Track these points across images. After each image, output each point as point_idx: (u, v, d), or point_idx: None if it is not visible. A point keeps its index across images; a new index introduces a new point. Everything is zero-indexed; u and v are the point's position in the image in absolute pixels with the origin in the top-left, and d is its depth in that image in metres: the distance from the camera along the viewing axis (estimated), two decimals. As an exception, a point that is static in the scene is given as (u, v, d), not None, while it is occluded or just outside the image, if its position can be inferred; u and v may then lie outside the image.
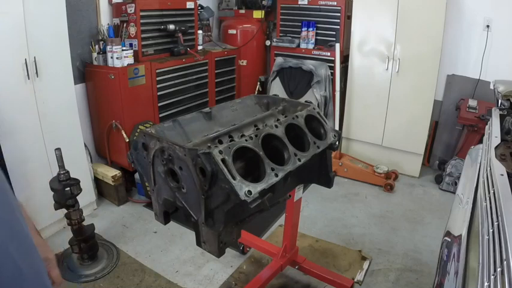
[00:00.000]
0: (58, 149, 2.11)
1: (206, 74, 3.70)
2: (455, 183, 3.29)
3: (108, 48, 2.85)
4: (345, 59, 3.73)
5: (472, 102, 3.32)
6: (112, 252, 2.54)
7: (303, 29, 3.81)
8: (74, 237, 2.31)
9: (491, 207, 1.04)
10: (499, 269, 0.78)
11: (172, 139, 1.43)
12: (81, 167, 2.79)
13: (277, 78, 3.94)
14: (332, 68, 3.67)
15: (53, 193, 2.18)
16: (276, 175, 1.32)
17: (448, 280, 1.19)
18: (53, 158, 2.20)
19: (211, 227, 1.37)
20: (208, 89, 3.76)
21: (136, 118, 3.06)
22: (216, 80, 3.86)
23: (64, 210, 2.27)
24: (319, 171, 1.80)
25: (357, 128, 3.84)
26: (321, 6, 3.71)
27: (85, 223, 2.35)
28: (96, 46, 2.99)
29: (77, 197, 2.25)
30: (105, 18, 3.15)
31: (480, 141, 2.40)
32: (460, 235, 1.22)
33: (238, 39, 4.17)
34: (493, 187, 1.13)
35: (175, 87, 3.37)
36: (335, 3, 3.63)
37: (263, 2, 4.16)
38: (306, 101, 1.83)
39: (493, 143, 1.51)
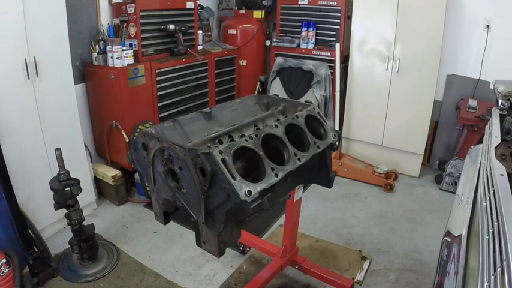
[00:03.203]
0: (58, 149, 2.12)
1: (206, 74, 3.70)
2: (455, 183, 3.29)
3: (108, 48, 2.85)
4: (345, 59, 3.73)
5: (472, 102, 3.32)
6: (112, 252, 2.54)
7: (303, 29, 3.81)
8: (74, 237, 2.31)
9: (491, 207, 1.04)
10: (499, 269, 0.78)
11: (172, 139, 1.43)
12: (81, 167, 2.79)
13: (277, 78, 3.94)
14: (332, 68, 3.67)
15: (53, 193, 2.18)
16: (276, 175, 1.32)
17: (448, 280, 1.19)
18: (53, 158, 2.20)
19: (211, 227, 1.37)
20: (208, 89, 3.76)
21: (136, 118, 3.06)
22: (216, 80, 3.87)
23: (64, 210, 2.27)
24: (319, 171, 1.80)
25: (357, 128, 3.84)
26: (321, 6, 3.72)
27: (85, 223, 2.36)
28: (96, 46, 2.99)
29: (77, 197, 2.25)
30: (105, 18, 3.15)
31: (480, 141, 2.40)
32: (460, 235, 1.22)
33: (238, 39, 4.17)
34: (493, 187, 1.13)
35: (175, 87, 3.37)
36: (335, 3, 3.63)
37: (263, 2, 4.16)
38: (306, 101, 1.83)
39: (493, 143, 1.51)
